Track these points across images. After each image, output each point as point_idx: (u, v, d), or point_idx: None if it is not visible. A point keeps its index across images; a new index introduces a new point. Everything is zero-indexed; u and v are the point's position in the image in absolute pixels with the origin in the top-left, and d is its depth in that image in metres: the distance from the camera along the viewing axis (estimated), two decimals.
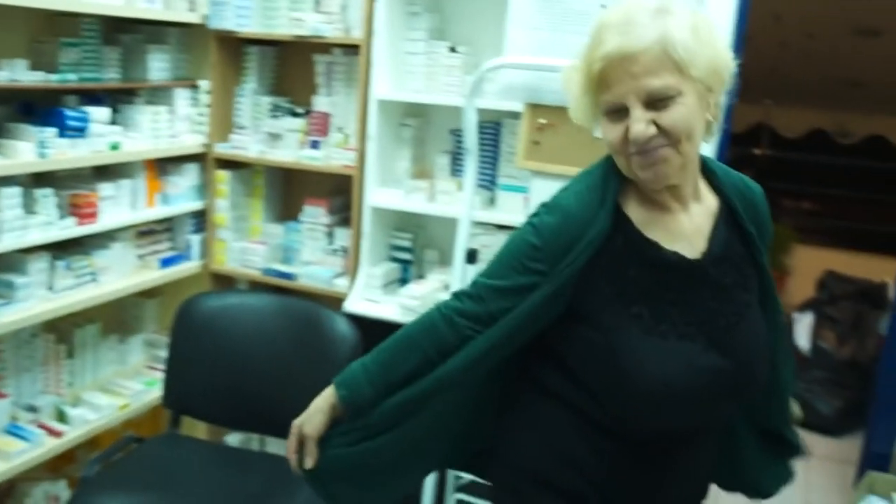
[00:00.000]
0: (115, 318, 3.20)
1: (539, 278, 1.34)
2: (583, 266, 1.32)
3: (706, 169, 1.41)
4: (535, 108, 2.28)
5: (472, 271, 2.49)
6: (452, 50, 2.86)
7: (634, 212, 1.36)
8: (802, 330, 4.21)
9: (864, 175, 6.80)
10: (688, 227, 1.36)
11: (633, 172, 1.30)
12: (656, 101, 1.24)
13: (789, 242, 5.77)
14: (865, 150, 6.85)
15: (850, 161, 6.90)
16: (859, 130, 7.00)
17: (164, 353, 2.63)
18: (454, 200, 2.84)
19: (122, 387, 2.98)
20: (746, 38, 3.05)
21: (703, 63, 1.25)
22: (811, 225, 6.48)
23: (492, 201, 2.89)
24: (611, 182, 1.36)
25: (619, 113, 1.27)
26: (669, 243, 1.35)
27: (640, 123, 1.24)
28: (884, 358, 3.10)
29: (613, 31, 1.25)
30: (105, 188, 2.76)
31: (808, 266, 5.22)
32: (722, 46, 1.29)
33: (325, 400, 1.50)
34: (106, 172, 2.84)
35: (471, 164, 2.40)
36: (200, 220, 3.24)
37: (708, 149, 2.96)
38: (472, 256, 2.46)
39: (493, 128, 2.86)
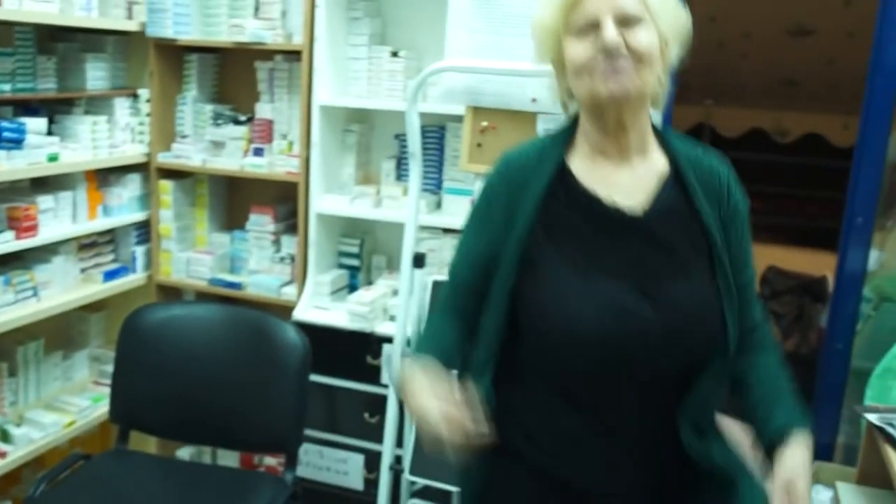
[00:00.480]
0: (59, 333, 3.14)
1: (488, 225, 1.44)
2: (530, 218, 1.38)
3: (659, 133, 1.44)
4: (477, 110, 2.30)
5: (420, 276, 2.49)
6: (394, 54, 2.87)
7: (578, 165, 1.41)
8: None
9: (802, 172, 6.95)
10: (628, 181, 1.39)
11: (596, 89, 1.32)
12: (627, 21, 1.30)
13: None
14: (803, 148, 7.01)
15: (788, 159, 7.05)
16: (796, 129, 7.15)
17: (110, 368, 2.59)
18: (400, 205, 2.85)
19: (68, 403, 2.92)
20: None
21: (666, 14, 1.33)
22: (754, 222, 6.60)
23: (438, 205, 2.90)
24: (558, 139, 1.44)
25: (588, 30, 1.32)
26: (609, 195, 1.38)
27: (613, 30, 1.29)
28: (824, 350, 3.17)
29: None
30: (44, 201, 2.71)
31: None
32: (685, 21, 1.39)
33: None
34: (45, 184, 2.79)
35: (415, 169, 2.41)
36: (144, 230, 3.20)
37: None
38: (419, 261, 2.47)
39: (436, 131, 2.87)
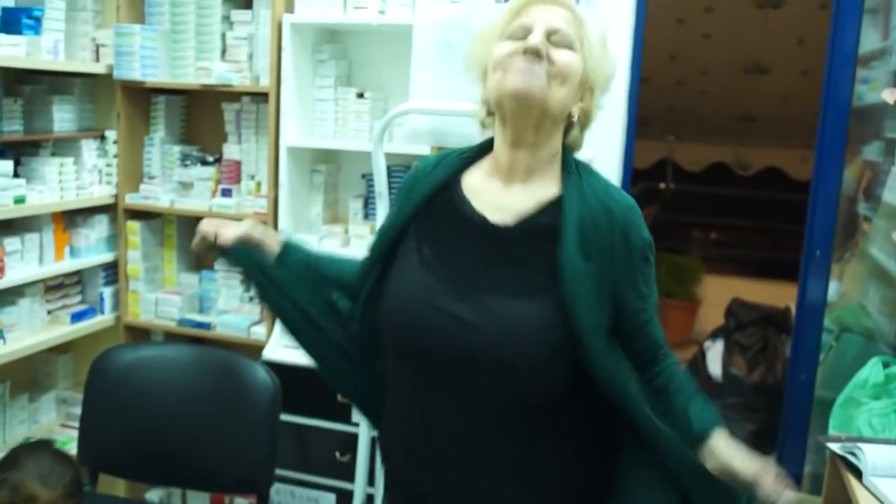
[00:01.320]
0: (25, 375, 3.11)
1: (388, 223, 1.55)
2: (406, 218, 1.49)
3: (567, 166, 1.46)
4: (441, 151, 2.33)
5: None
6: (360, 96, 2.91)
7: (469, 179, 1.49)
8: (714, 357, 4.34)
9: (764, 205, 7.09)
10: (506, 201, 1.43)
11: (504, 82, 1.38)
12: (556, 40, 1.38)
13: (698, 273, 5.96)
14: (763, 181, 7.16)
15: (749, 192, 7.20)
16: (756, 162, 7.32)
17: (78, 411, 2.56)
18: (368, 244, 2.87)
19: None
20: (644, 78, 3.18)
21: (595, 57, 1.42)
22: (718, 255, 6.72)
23: None
24: (465, 154, 1.53)
25: (520, 36, 1.40)
26: (481, 208, 1.44)
27: (541, 36, 1.38)
28: (788, 381, 3.22)
29: None
30: (11, 242, 2.70)
31: (716, 295, 5.40)
32: (612, 68, 1.47)
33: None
34: (11, 226, 2.78)
35: (382, 208, 2.44)
36: (112, 271, 3.19)
37: (613, 183, 3.07)
38: None
39: (403, 171, 2.90)
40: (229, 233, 1.64)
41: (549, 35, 1.38)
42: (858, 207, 3.32)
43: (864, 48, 2.97)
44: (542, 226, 1.40)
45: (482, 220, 1.42)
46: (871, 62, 3.22)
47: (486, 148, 1.52)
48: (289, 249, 1.64)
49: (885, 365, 2.56)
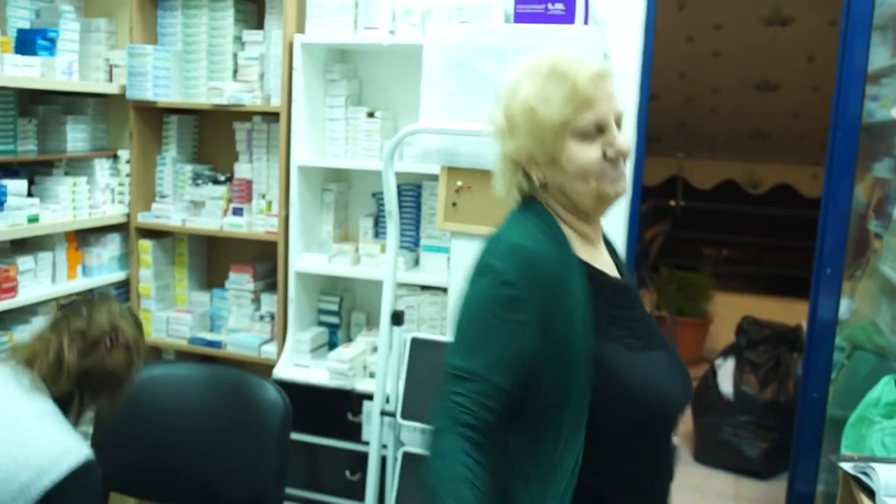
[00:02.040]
0: None
1: (527, 328, 1.30)
2: (585, 315, 1.33)
3: None
4: (452, 170, 2.34)
5: (399, 333, 2.52)
6: (370, 115, 2.93)
7: (576, 248, 1.38)
8: (725, 375, 4.30)
9: (775, 222, 7.07)
10: (603, 255, 1.46)
11: (605, 191, 1.34)
12: (619, 123, 1.36)
13: (709, 290, 5.93)
14: (774, 198, 7.14)
15: (760, 209, 7.18)
16: (767, 180, 7.30)
17: (89, 429, 2.57)
18: (378, 263, 2.88)
19: None
20: (653, 95, 3.19)
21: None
22: (728, 272, 6.70)
23: (416, 262, 2.94)
24: (552, 221, 1.38)
25: (593, 134, 1.32)
26: (605, 268, 1.43)
27: (622, 138, 1.34)
28: (800, 399, 3.20)
29: (579, 62, 1.34)
30: (24, 261, 2.72)
31: (727, 312, 5.37)
32: None
33: None
34: (25, 245, 2.81)
35: (392, 227, 2.45)
36: (124, 290, 3.21)
37: (623, 201, 3.08)
38: (398, 318, 2.49)
39: (413, 190, 2.92)
40: None
41: (618, 121, 1.36)
42: (869, 224, 3.31)
43: (873, 65, 2.97)
44: (632, 278, 1.51)
45: (619, 282, 1.44)
46: (881, 79, 3.21)
47: (547, 218, 1.39)
48: None
49: None
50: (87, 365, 1.68)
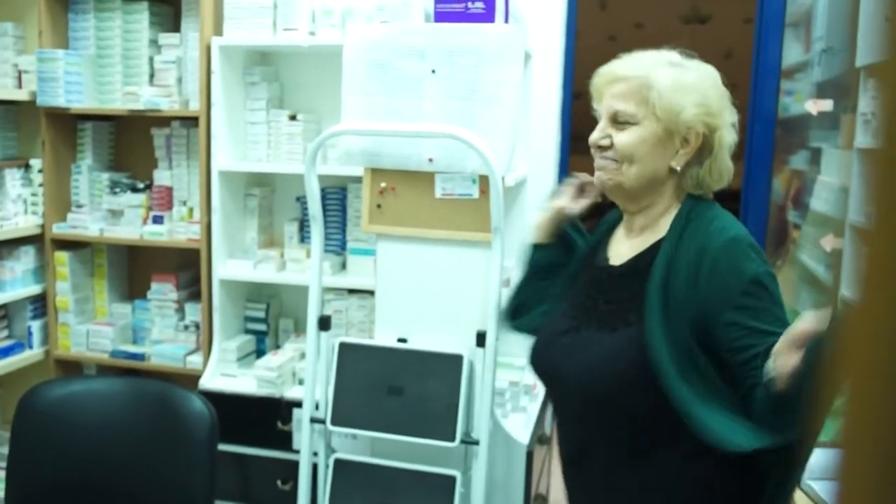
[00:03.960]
0: None
1: None
2: (577, 264, 1.72)
3: (679, 216, 1.51)
4: (376, 172, 2.31)
5: (326, 338, 2.48)
6: (292, 118, 2.88)
7: (617, 233, 1.65)
8: None
9: None
10: (623, 250, 1.58)
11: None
12: (619, 122, 1.49)
13: None
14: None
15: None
16: None
17: (5, 450, 2.47)
18: (305, 268, 2.84)
19: None
20: (577, 94, 3.21)
21: (671, 109, 1.45)
22: None
23: (343, 266, 2.90)
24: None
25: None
26: (612, 254, 1.60)
27: (598, 132, 1.52)
28: None
29: (623, 58, 1.54)
30: None
31: None
32: (702, 107, 1.46)
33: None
34: None
35: (317, 231, 2.40)
36: (40, 304, 3.09)
37: (548, 199, 3.09)
38: (325, 323, 2.45)
39: (338, 193, 2.88)
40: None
41: (613, 118, 1.50)
42: (788, 215, 3.40)
43: (787, 61, 3.05)
44: (637, 266, 1.52)
45: (603, 264, 1.60)
46: (795, 74, 3.30)
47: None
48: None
49: None
50: None
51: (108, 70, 3.00)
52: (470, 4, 2.26)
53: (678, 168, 1.48)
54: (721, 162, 1.51)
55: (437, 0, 2.29)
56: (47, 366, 3.10)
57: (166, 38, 2.97)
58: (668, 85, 1.46)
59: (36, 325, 3.07)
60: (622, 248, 1.59)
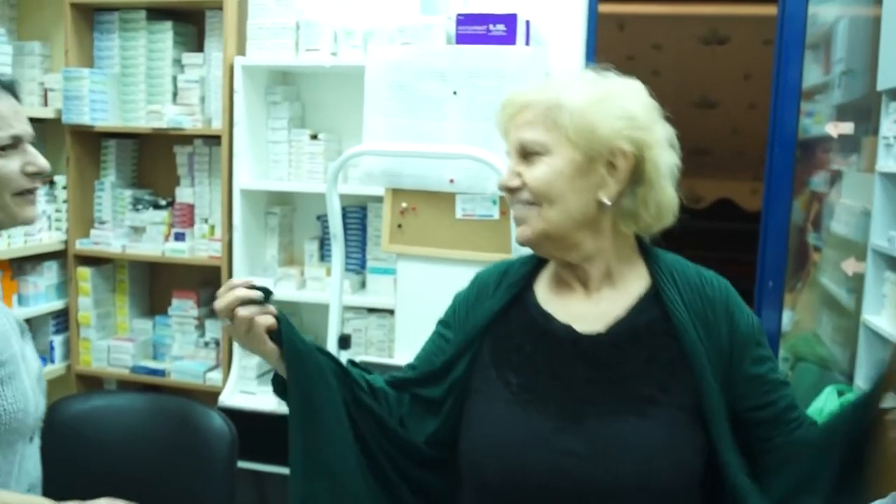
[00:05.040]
0: None
1: (446, 343, 1.38)
2: (476, 333, 1.32)
3: (648, 255, 1.32)
4: (397, 192, 2.33)
5: (346, 356, 2.48)
6: (314, 137, 2.91)
7: (542, 288, 1.33)
8: None
9: (717, 236, 7.18)
10: (589, 312, 1.28)
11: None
12: (528, 155, 1.23)
13: None
14: (715, 213, 7.26)
15: (702, 223, 7.29)
16: (708, 195, 7.44)
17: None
18: (324, 286, 2.85)
19: None
20: None
21: (587, 129, 1.20)
22: None
23: (363, 284, 2.91)
24: (529, 260, 1.37)
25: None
26: (564, 320, 1.28)
27: (507, 171, 1.27)
28: None
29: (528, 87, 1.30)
30: None
31: None
32: (627, 122, 1.22)
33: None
34: None
35: (337, 250, 2.42)
36: (62, 319, 3.12)
37: None
38: (345, 342, 2.46)
39: (358, 212, 2.90)
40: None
41: (521, 152, 1.25)
42: (808, 237, 3.39)
43: (807, 82, 3.05)
44: (639, 326, 1.25)
45: (570, 333, 1.26)
46: (815, 96, 3.30)
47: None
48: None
49: (840, 393, 2.59)
50: None
51: (132, 88, 3.04)
52: (491, 27, 2.28)
53: (608, 201, 1.22)
54: (659, 192, 1.24)
55: (458, 22, 2.31)
56: (69, 380, 3.12)
57: (190, 58, 3.01)
58: (581, 101, 1.21)
59: (58, 340, 3.10)
60: (590, 309, 1.28)
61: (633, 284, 1.29)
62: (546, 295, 1.32)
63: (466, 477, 1.30)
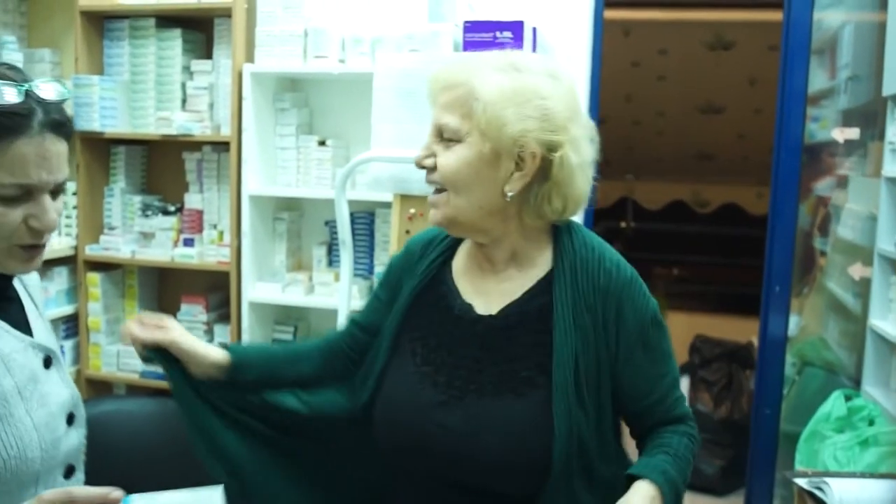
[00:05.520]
0: None
1: (378, 303, 1.48)
2: (404, 306, 1.40)
3: (559, 241, 1.34)
4: (405, 198, 2.34)
5: None
6: (322, 143, 2.93)
7: (459, 262, 1.40)
8: None
9: (723, 241, 7.19)
10: (493, 290, 1.34)
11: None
12: (446, 137, 1.26)
13: (662, 310, 5.98)
14: (721, 218, 7.27)
15: (708, 228, 7.30)
16: (714, 199, 7.45)
17: None
18: (332, 291, 2.87)
19: None
20: (602, 119, 3.23)
21: (498, 124, 1.21)
22: (680, 291, 6.79)
23: (371, 289, 2.92)
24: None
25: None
26: (470, 297, 1.35)
27: (422, 149, 1.30)
28: (753, 416, 3.24)
29: (446, 61, 1.33)
30: None
31: (680, 332, 5.40)
32: (536, 122, 1.23)
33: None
34: None
35: (346, 256, 2.43)
36: (72, 324, 3.14)
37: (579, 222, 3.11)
38: None
39: (366, 217, 2.92)
40: (147, 335, 1.39)
41: (438, 133, 1.28)
42: (815, 242, 3.39)
43: (813, 87, 3.05)
44: (530, 311, 1.31)
45: (468, 312, 1.33)
46: (821, 101, 3.30)
47: None
48: (237, 369, 1.42)
49: (847, 398, 2.60)
50: None
51: (141, 95, 3.06)
52: (498, 34, 2.29)
53: (509, 192, 1.25)
54: (566, 188, 1.26)
55: (465, 29, 2.33)
56: (78, 385, 3.08)
57: (199, 65, 3.03)
58: (494, 93, 1.21)
59: (68, 345, 3.12)
60: (491, 287, 1.34)
61: (537, 268, 1.34)
62: (461, 269, 1.39)
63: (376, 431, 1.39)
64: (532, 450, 1.25)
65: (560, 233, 1.34)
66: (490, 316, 1.32)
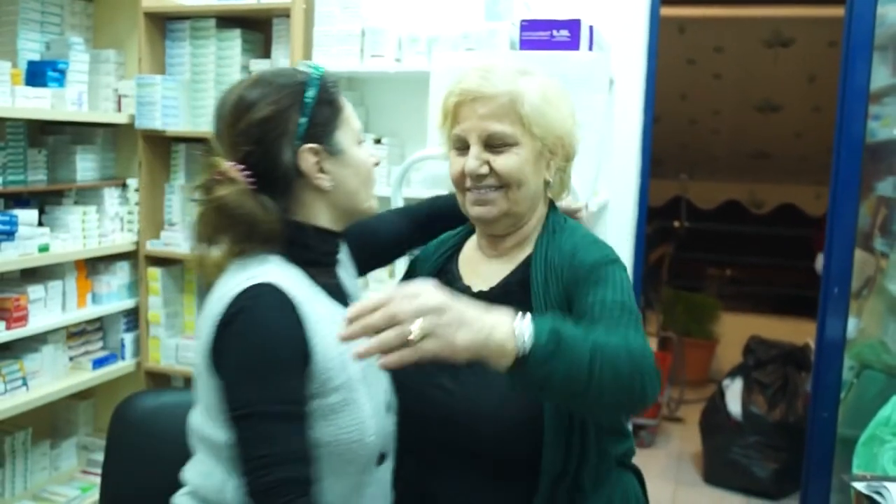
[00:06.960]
0: (47, 422, 3.13)
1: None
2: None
3: (546, 228, 1.49)
4: None
5: None
6: (377, 142, 2.95)
7: (465, 253, 1.57)
8: (733, 396, 4.29)
9: (780, 241, 7.08)
10: (487, 271, 1.50)
11: (465, 207, 1.47)
12: (494, 145, 1.40)
13: (715, 311, 5.93)
14: (778, 218, 7.16)
15: (764, 229, 7.20)
16: (770, 200, 7.33)
17: (99, 457, 2.57)
18: (388, 287, 2.89)
19: (56, 493, 2.90)
20: (656, 118, 3.21)
21: (545, 124, 1.40)
22: (734, 292, 6.70)
23: None
24: (462, 231, 1.61)
25: (462, 149, 1.43)
26: (470, 279, 1.51)
27: (475, 160, 1.40)
28: (810, 419, 3.19)
29: (475, 74, 1.42)
30: (34, 290, 2.73)
31: (734, 333, 5.37)
32: (567, 116, 1.45)
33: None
34: (35, 274, 2.82)
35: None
36: (133, 318, 3.22)
37: (629, 223, 3.10)
38: None
39: None
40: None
41: (486, 142, 1.40)
42: (875, 243, 3.32)
43: (874, 84, 2.99)
44: (512, 284, 1.46)
45: (466, 290, 1.48)
46: (883, 98, 3.23)
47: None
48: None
49: None
50: None
51: (202, 94, 3.13)
52: (555, 32, 2.30)
53: (551, 179, 1.47)
54: (571, 165, 1.53)
55: (522, 28, 2.34)
56: (138, 377, 3.22)
57: (257, 65, 3.08)
58: (536, 99, 1.40)
59: (129, 338, 3.20)
60: (484, 272, 1.51)
61: (521, 254, 1.49)
62: (466, 259, 1.56)
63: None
64: (528, 407, 1.35)
65: (548, 225, 1.50)
66: (481, 291, 1.47)
